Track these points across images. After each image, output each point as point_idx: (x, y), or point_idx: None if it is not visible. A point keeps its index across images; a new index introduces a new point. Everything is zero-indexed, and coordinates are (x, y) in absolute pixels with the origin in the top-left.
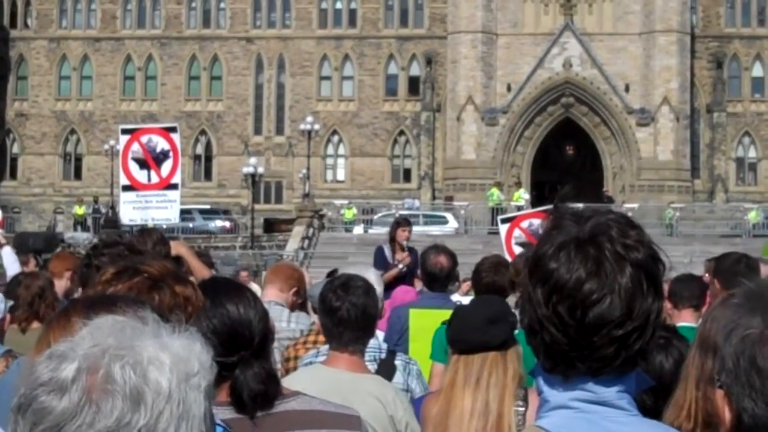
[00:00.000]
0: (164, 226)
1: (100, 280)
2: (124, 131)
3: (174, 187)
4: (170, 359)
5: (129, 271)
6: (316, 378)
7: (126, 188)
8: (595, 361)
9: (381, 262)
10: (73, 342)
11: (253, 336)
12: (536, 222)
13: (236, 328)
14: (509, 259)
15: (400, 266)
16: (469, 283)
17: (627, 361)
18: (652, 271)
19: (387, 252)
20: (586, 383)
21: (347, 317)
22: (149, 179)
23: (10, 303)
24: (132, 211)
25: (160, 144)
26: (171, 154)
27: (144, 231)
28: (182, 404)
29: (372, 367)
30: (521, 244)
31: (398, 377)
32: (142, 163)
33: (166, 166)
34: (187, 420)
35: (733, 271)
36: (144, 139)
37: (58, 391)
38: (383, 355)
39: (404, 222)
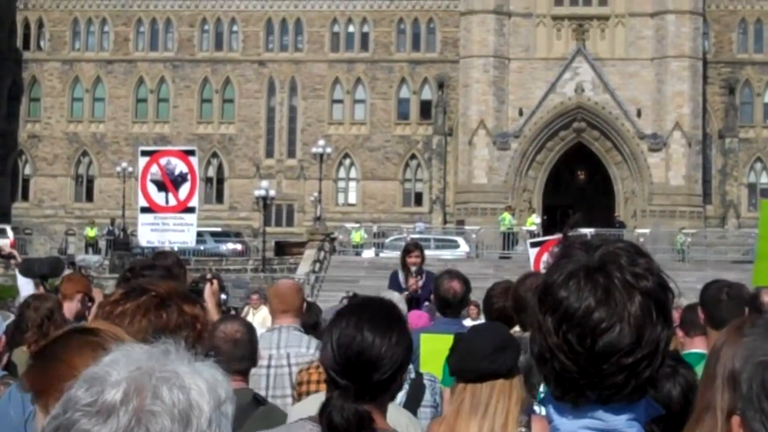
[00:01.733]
0: (176, 248)
1: (108, 301)
2: (144, 153)
3: (191, 210)
4: (205, 384)
5: (137, 290)
6: None
7: (144, 210)
8: (604, 389)
9: (395, 288)
10: (108, 366)
11: (370, 374)
12: None
13: (360, 358)
14: None
15: (405, 293)
16: (474, 307)
17: (637, 389)
18: (661, 299)
19: (401, 278)
20: (596, 411)
21: None
22: (167, 202)
23: (8, 321)
24: (150, 233)
25: (179, 167)
26: (189, 177)
27: (160, 254)
28: (218, 428)
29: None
30: None
31: (428, 396)
32: (161, 186)
33: (184, 190)
34: None
35: (715, 299)
36: (163, 161)
37: (104, 414)
38: (412, 375)
39: (413, 248)
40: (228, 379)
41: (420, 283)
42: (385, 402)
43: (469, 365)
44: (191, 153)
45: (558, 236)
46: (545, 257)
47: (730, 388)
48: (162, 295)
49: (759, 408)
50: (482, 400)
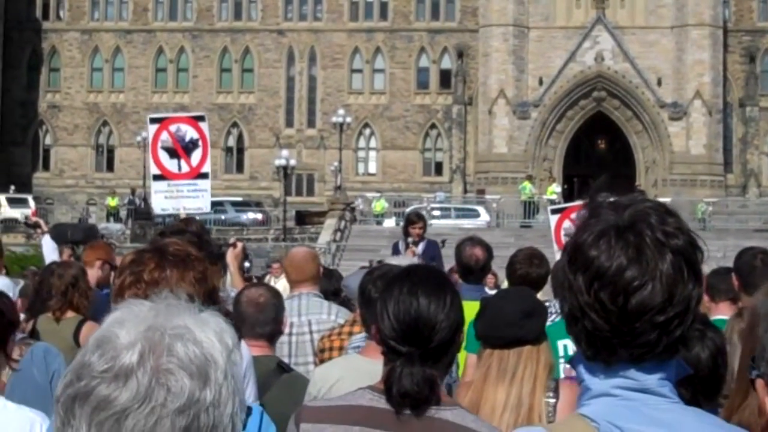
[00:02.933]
0: (197, 217)
1: (124, 264)
2: (153, 120)
3: (204, 176)
4: (215, 336)
5: (153, 251)
6: (353, 367)
7: (157, 177)
8: (637, 348)
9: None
10: (115, 327)
11: (431, 337)
12: None
13: (418, 323)
14: (558, 250)
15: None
16: (492, 276)
17: (668, 348)
18: (691, 258)
19: (401, 247)
20: (627, 370)
21: None
22: (179, 169)
23: (20, 284)
24: (164, 201)
25: (189, 133)
26: (200, 143)
27: (185, 220)
28: (233, 379)
29: None
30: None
31: None
32: (172, 153)
33: (196, 156)
34: (237, 394)
35: (750, 266)
36: (173, 128)
37: (122, 378)
38: None
39: (417, 218)
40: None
41: (418, 250)
42: (444, 368)
43: (496, 331)
44: (201, 119)
45: (579, 203)
46: (566, 224)
47: None
48: (178, 255)
49: None
50: (509, 367)
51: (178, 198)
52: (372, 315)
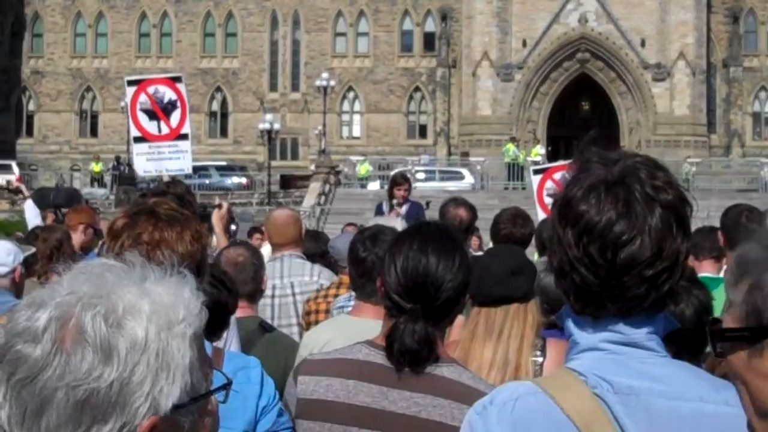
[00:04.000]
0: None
1: (117, 228)
2: (130, 83)
3: (184, 137)
4: (150, 307)
5: (146, 213)
6: (343, 327)
7: (137, 140)
8: (625, 302)
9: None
10: (52, 289)
11: (437, 296)
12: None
13: (425, 280)
14: (540, 210)
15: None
16: (476, 239)
17: (656, 302)
18: (680, 212)
19: (385, 208)
20: (616, 324)
21: (371, 268)
22: (159, 130)
23: (30, 252)
24: (146, 163)
25: (167, 94)
26: (179, 104)
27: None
28: (162, 354)
29: None
30: (553, 196)
31: None
32: (152, 114)
33: (175, 117)
34: (168, 370)
35: (736, 223)
36: (151, 90)
37: (32, 340)
38: None
39: (402, 180)
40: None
41: (402, 212)
42: (445, 327)
43: (483, 289)
44: (178, 80)
45: (561, 163)
46: (548, 184)
47: None
48: (173, 213)
49: None
50: (496, 324)
51: (159, 160)
52: (361, 274)
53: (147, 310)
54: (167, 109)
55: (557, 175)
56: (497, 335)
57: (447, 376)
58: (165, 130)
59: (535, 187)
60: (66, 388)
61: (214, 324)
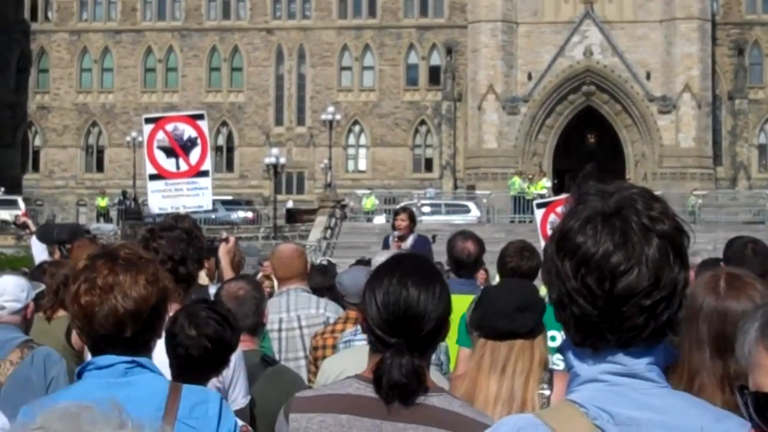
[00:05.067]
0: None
1: (77, 270)
2: (148, 120)
3: (204, 174)
4: None
5: (104, 256)
6: (358, 358)
7: (153, 177)
8: (624, 332)
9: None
10: (23, 424)
11: (420, 328)
12: None
13: (407, 313)
14: (544, 243)
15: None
16: (483, 272)
17: (656, 332)
18: (677, 242)
19: (391, 242)
20: (615, 355)
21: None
22: (178, 167)
23: (40, 289)
24: (162, 200)
25: (187, 131)
26: (199, 141)
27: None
28: None
29: None
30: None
31: None
32: (169, 152)
33: (195, 154)
34: None
35: (740, 255)
36: (169, 127)
37: None
38: None
39: (401, 211)
40: None
41: (406, 245)
42: (430, 356)
43: (488, 322)
44: (199, 117)
45: (564, 196)
46: (552, 217)
47: (719, 353)
48: (130, 257)
49: None
50: (501, 358)
51: (177, 197)
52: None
53: None
54: (186, 146)
55: (560, 209)
56: (501, 369)
57: (438, 405)
58: (184, 167)
59: (538, 220)
60: None
61: (216, 361)
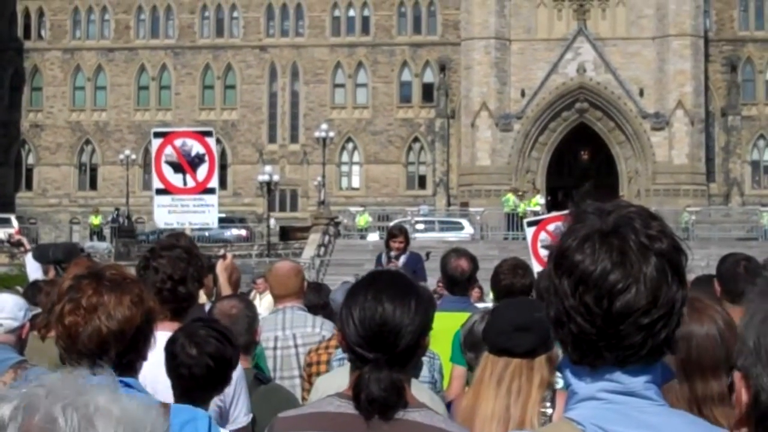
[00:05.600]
0: (194, 229)
1: (61, 290)
2: (157, 134)
3: (211, 191)
4: (120, 413)
5: (90, 276)
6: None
7: (160, 191)
8: (622, 350)
9: None
10: (16, 385)
11: (397, 343)
12: (562, 226)
13: (384, 329)
14: (536, 262)
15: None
16: (478, 290)
17: (654, 351)
18: (675, 261)
19: (384, 259)
20: (613, 373)
21: None
22: (185, 183)
23: (37, 311)
24: (167, 215)
25: (195, 148)
26: (207, 157)
27: (178, 236)
28: None
29: None
30: (547, 248)
31: (425, 372)
32: (177, 167)
33: (202, 171)
34: None
35: (732, 272)
36: (178, 143)
37: None
38: None
39: (398, 232)
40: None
41: (400, 263)
42: (410, 371)
43: (488, 336)
44: (208, 134)
45: (554, 214)
46: (542, 235)
47: (689, 378)
48: (116, 278)
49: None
50: (496, 373)
51: (183, 213)
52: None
53: (117, 414)
54: (194, 162)
55: (551, 227)
56: (497, 384)
57: (419, 420)
58: (191, 183)
59: (529, 239)
60: None
61: (218, 379)
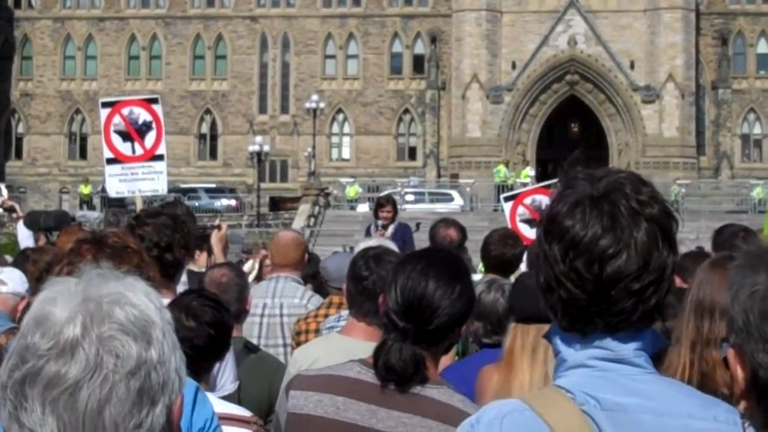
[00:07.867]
0: (148, 196)
1: (63, 252)
2: (105, 104)
3: (160, 158)
4: (145, 296)
5: (91, 242)
6: (331, 346)
7: (110, 161)
8: (612, 316)
9: None
10: (50, 304)
11: (431, 320)
12: (539, 198)
13: (422, 302)
14: None
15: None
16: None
17: (644, 317)
18: (666, 226)
19: (372, 229)
20: (603, 340)
21: (371, 289)
22: (133, 151)
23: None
24: (119, 184)
25: (142, 116)
26: (154, 125)
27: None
28: (169, 335)
29: None
30: (526, 221)
31: None
32: (126, 136)
33: (150, 138)
34: (177, 348)
35: (731, 244)
36: (125, 111)
37: (68, 352)
38: None
39: (385, 202)
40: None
41: (388, 233)
42: (439, 352)
43: (516, 306)
44: (154, 101)
45: (530, 188)
46: (520, 209)
47: (697, 318)
48: (117, 245)
49: (761, 338)
50: (530, 343)
51: (133, 181)
52: (360, 291)
53: (146, 299)
54: (142, 130)
55: (528, 200)
56: (531, 352)
57: (436, 398)
58: (139, 150)
59: (507, 213)
60: (125, 380)
61: (219, 346)
